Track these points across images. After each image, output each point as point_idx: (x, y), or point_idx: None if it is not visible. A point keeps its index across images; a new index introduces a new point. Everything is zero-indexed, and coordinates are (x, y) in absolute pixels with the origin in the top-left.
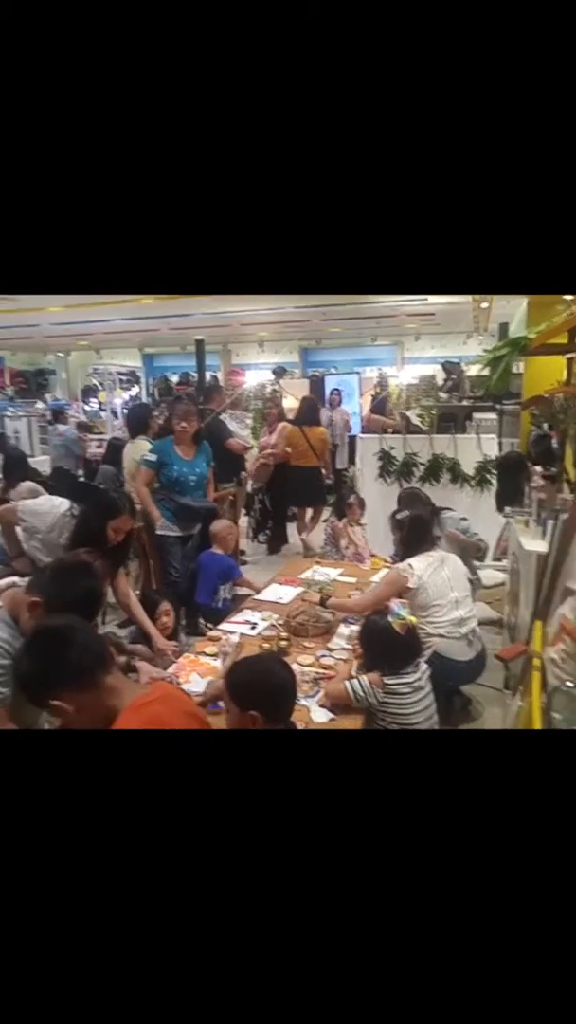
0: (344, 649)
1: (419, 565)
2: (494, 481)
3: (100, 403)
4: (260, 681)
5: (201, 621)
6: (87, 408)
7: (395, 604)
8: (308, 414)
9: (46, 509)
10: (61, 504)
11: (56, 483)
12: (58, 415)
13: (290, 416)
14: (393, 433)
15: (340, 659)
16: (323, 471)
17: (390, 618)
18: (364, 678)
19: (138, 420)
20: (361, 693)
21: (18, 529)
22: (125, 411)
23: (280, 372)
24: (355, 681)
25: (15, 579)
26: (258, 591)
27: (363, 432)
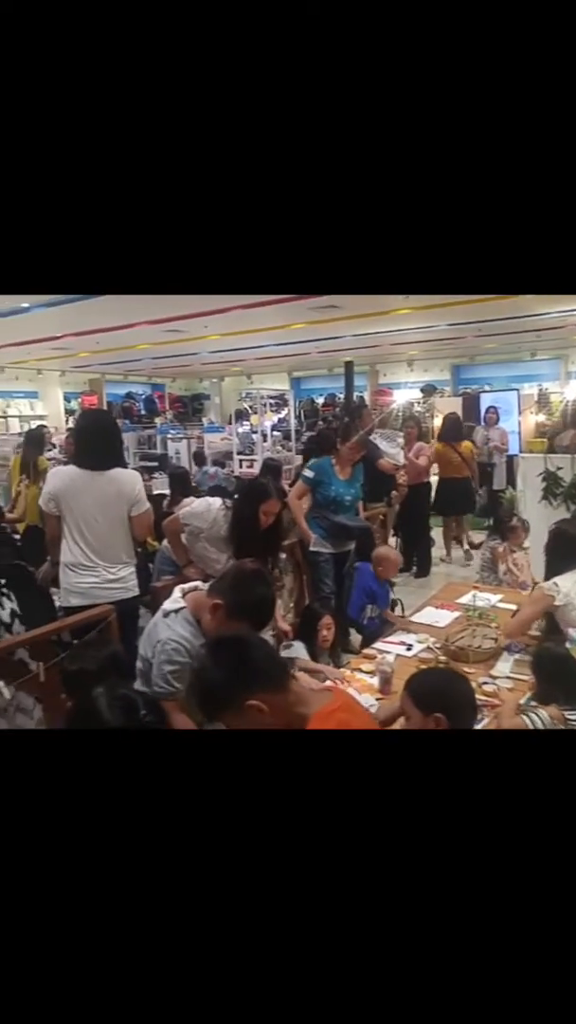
0: (509, 677)
1: (565, 583)
2: None
3: (252, 425)
4: (443, 684)
5: (351, 639)
6: (239, 431)
7: (573, 631)
8: (452, 430)
9: (203, 508)
10: (215, 501)
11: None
12: (200, 458)
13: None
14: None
15: (504, 687)
16: (472, 481)
17: (568, 645)
18: (543, 712)
19: (325, 442)
20: (542, 727)
21: (183, 537)
22: (275, 432)
23: (430, 390)
24: (534, 715)
25: (199, 583)
26: (399, 627)
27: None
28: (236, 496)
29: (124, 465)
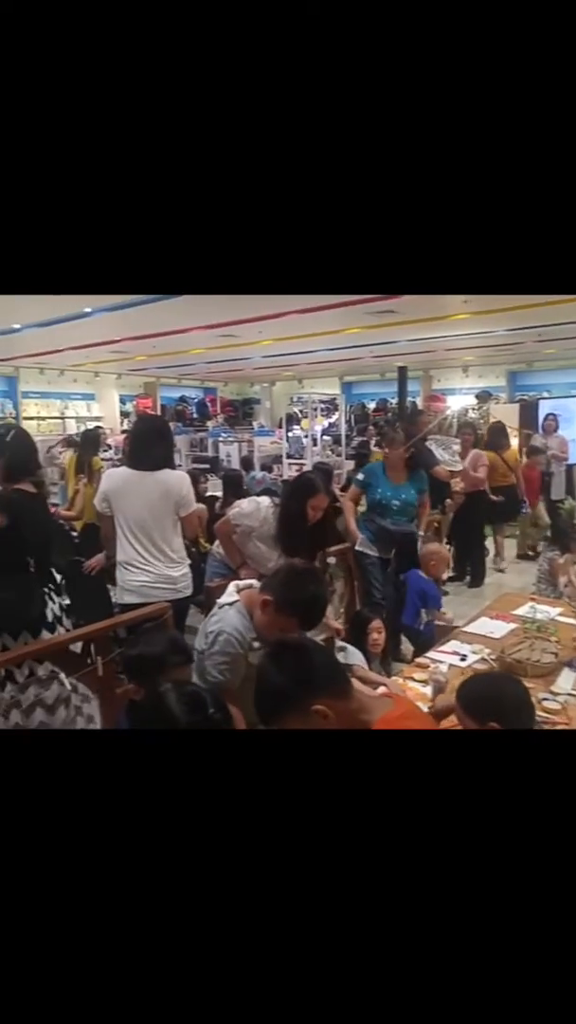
0: (571, 694)
1: None
2: None
3: (303, 430)
4: (493, 689)
5: (402, 648)
6: (289, 435)
7: None
8: (498, 439)
9: (252, 508)
10: (264, 500)
11: None
12: (247, 464)
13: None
14: None
15: (563, 704)
16: (518, 488)
17: None
18: None
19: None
20: None
21: (234, 537)
22: (325, 437)
23: (485, 397)
24: None
25: (253, 581)
26: (455, 627)
27: None
28: (284, 491)
29: (173, 467)
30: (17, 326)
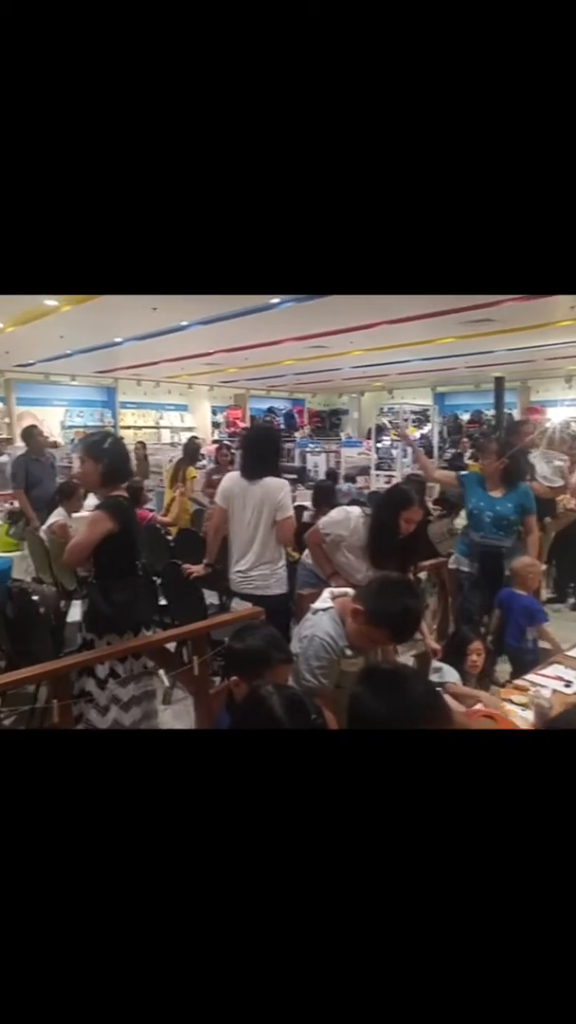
0: None
1: None
2: None
3: (392, 441)
4: None
5: (497, 670)
6: (379, 446)
7: None
8: None
9: (342, 517)
10: (354, 509)
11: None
12: (333, 476)
13: None
14: None
15: None
16: None
17: None
18: None
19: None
20: None
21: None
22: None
23: None
24: None
25: (348, 589)
26: (560, 649)
27: None
28: (377, 502)
29: (277, 474)
30: (119, 339)
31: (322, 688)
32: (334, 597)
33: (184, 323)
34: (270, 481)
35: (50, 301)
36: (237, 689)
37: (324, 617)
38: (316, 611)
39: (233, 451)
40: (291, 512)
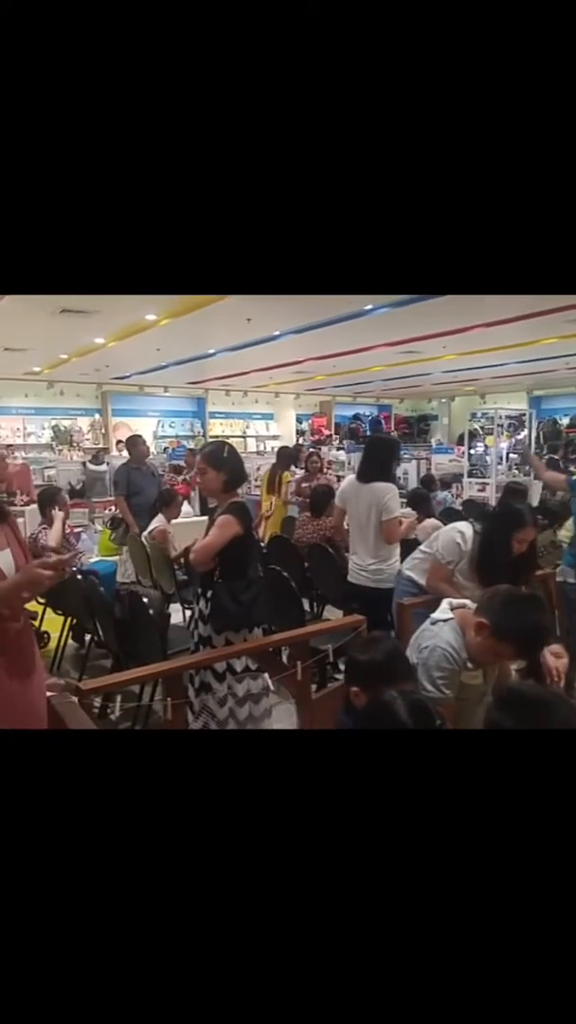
0: None
1: None
2: None
3: (486, 447)
4: None
5: None
6: (472, 452)
7: None
8: None
9: (458, 541)
10: (466, 529)
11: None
12: (428, 482)
13: None
14: None
15: None
16: None
17: None
18: None
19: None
20: None
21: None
22: (512, 455)
23: None
24: None
25: (467, 601)
26: None
27: None
28: (489, 521)
29: (388, 479)
30: (212, 351)
31: (444, 699)
32: (453, 608)
33: (276, 332)
34: (378, 485)
35: (150, 315)
36: (356, 699)
37: (445, 628)
38: (436, 621)
39: (322, 458)
40: (395, 513)
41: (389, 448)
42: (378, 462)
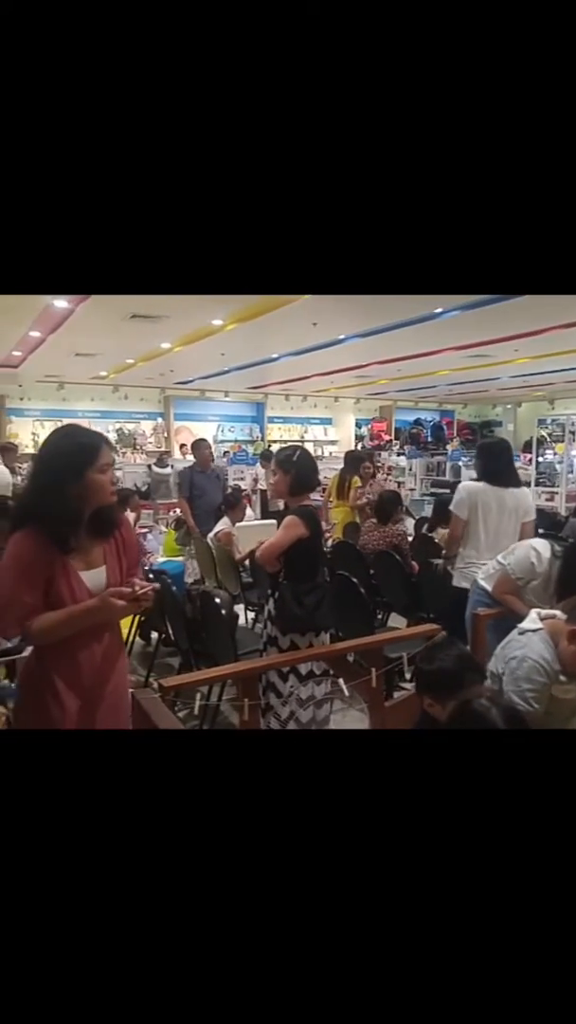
0: None
1: None
2: None
3: (555, 453)
4: None
5: None
6: (540, 460)
7: None
8: None
9: (532, 558)
10: (542, 547)
11: None
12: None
13: None
14: None
15: None
16: None
17: None
18: None
19: None
20: None
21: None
22: None
23: None
24: None
25: (557, 612)
26: None
27: None
28: (571, 540)
29: (519, 484)
30: (275, 355)
31: (532, 713)
32: (542, 617)
33: (341, 336)
34: (520, 489)
35: (217, 320)
36: (432, 710)
37: (535, 638)
38: (524, 631)
39: (375, 464)
40: (534, 515)
41: (508, 451)
42: (507, 466)
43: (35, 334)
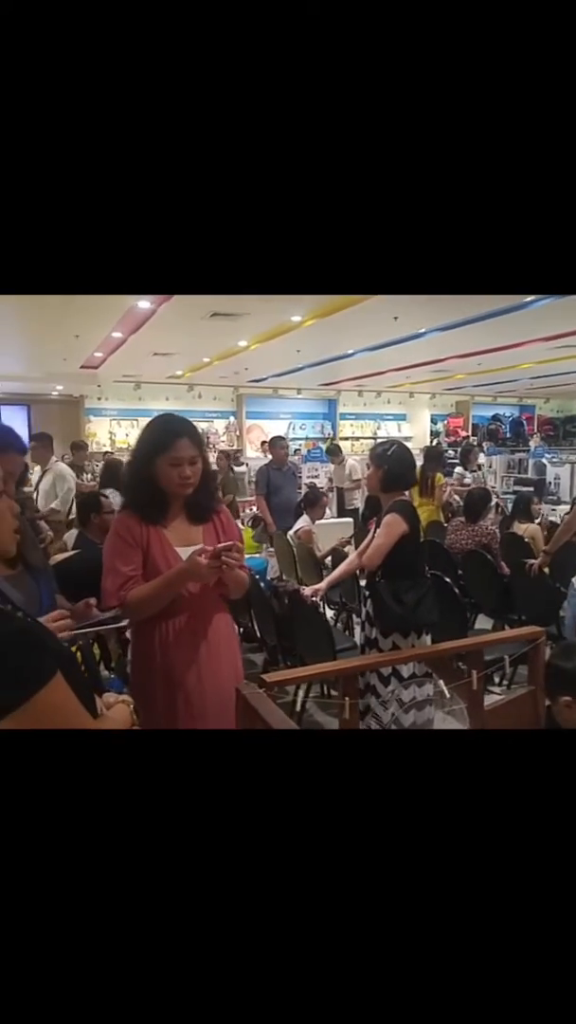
0: None
1: None
2: None
3: None
4: None
5: None
6: None
7: None
8: None
9: None
10: None
11: None
12: None
13: None
14: None
15: None
16: None
17: None
18: None
19: None
20: None
21: None
22: None
23: None
24: None
25: None
26: None
27: None
28: None
29: None
30: (351, 351)
31: None
32: None
33: (422, 330)
34: None
35: (295, 317)
36: (569, 710)
37: None
38: None
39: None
40: None
41: None
42: None
43: (117, 335)
